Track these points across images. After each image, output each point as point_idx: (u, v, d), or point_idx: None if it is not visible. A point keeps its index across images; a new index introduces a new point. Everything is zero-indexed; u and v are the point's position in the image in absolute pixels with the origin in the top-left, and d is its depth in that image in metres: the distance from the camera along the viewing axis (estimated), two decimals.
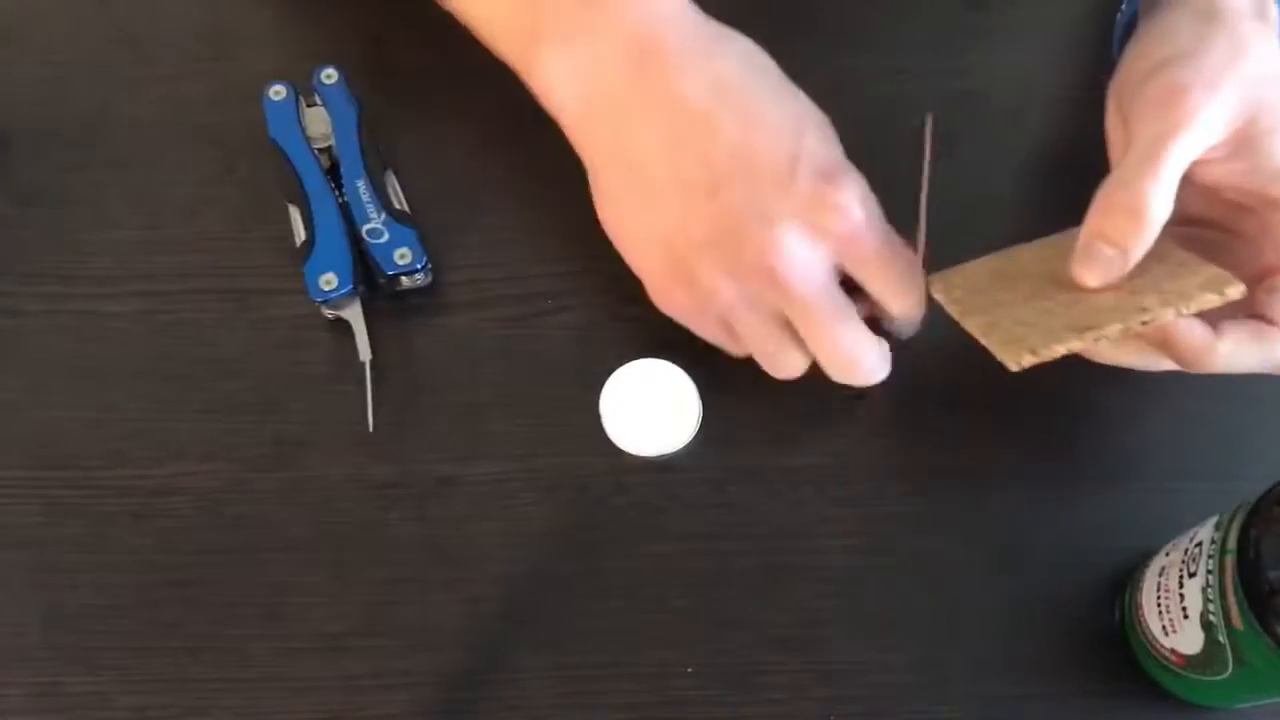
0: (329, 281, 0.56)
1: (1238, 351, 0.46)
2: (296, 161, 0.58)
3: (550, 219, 0.59)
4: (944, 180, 0.56)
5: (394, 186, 0.59)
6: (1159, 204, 0.44)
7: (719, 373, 0.55)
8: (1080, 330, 0.45)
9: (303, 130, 0.59)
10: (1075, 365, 0.56)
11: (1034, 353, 0.45)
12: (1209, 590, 0.44)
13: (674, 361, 0.55)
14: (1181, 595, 0.46)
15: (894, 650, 0.53)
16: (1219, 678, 0.46)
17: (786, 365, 0.51)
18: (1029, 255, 0.51)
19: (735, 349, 0.52)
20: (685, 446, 0.55)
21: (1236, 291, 0.45)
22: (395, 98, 0.60)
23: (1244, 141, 0.45)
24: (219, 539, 0.54)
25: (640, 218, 0.51)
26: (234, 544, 0.54)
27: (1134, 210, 0.44)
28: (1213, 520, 0.46)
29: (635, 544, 0.54)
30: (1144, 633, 0.50)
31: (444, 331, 0.58)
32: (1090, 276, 0.46)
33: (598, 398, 0.55)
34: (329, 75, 0.60)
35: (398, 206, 0.58)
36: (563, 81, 0.50)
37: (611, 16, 0.49)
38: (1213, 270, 0.46)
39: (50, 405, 0.56)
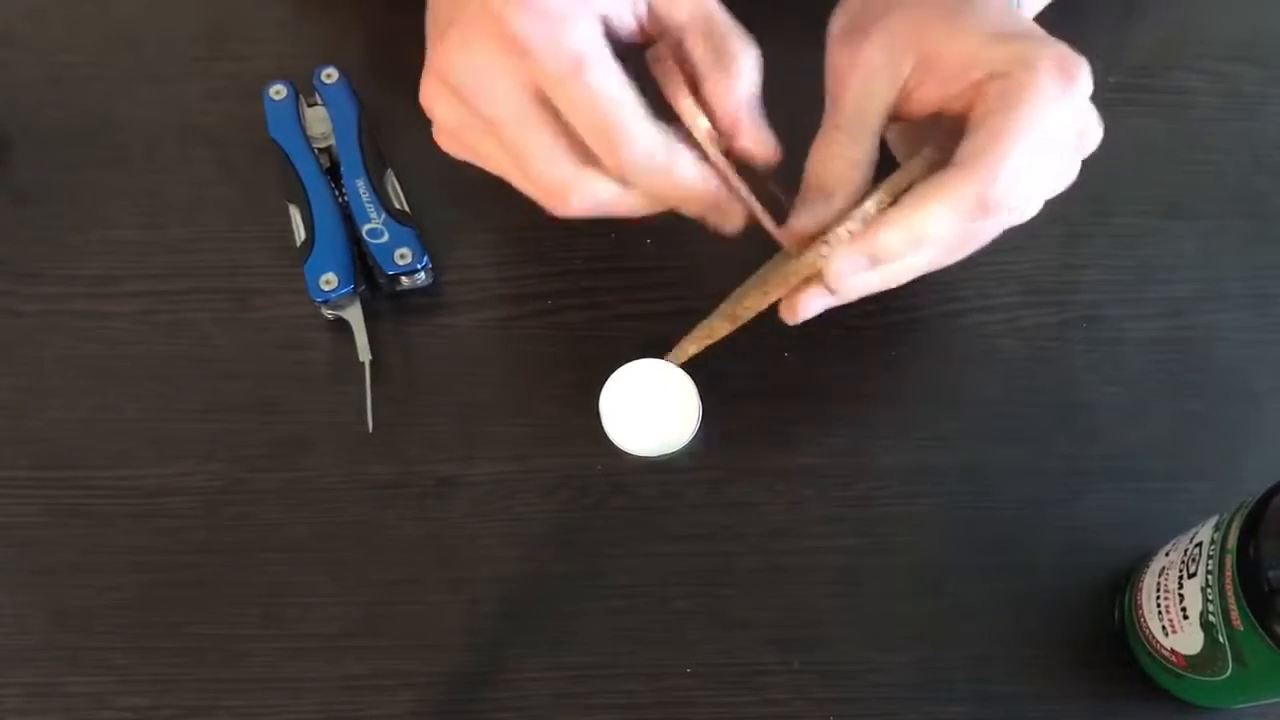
0: (329, 281, 0.56)
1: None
2: (296, 161, 0.58)
3: (550, 219, 0.59)
4: None
5: (394, 186, 0.59)
6: (849, 151, 0.46)
7: (719, 373, 0.55)
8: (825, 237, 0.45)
9: (303, 130, 0.59)
10: (1075, 365, 0.57)
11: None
12: (1209, 590, 0.44)
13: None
14: (1181, 595, 0.46)
15: (894, 650, 0.53)
16: (1219, 678, 0.46)
17: (542, 191, 0.46)
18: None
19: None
20: (685, 446, 0.55)
21: (930, 152, 0.47)
22: (395, 98, 0.60)
23: (927, 61, 0.46)
24: (219, 539, 0.54)
25: None
26: (234, 544, 0.54)
27: (827, 159, 0.47)
28: (1213, 520, 0.46)
29: (635, 544, 0.54)
30: (1144, 633, 0.50)
31: (444, 331, 0.58)
32: (803, 221, 0.47)
33: (598, 398, 0.55)
34: (329, 75, 0.60)
35: (398, 206, 0.58)
36: None
37: None
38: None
39: (50, 405, 0.56)
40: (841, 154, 0.47)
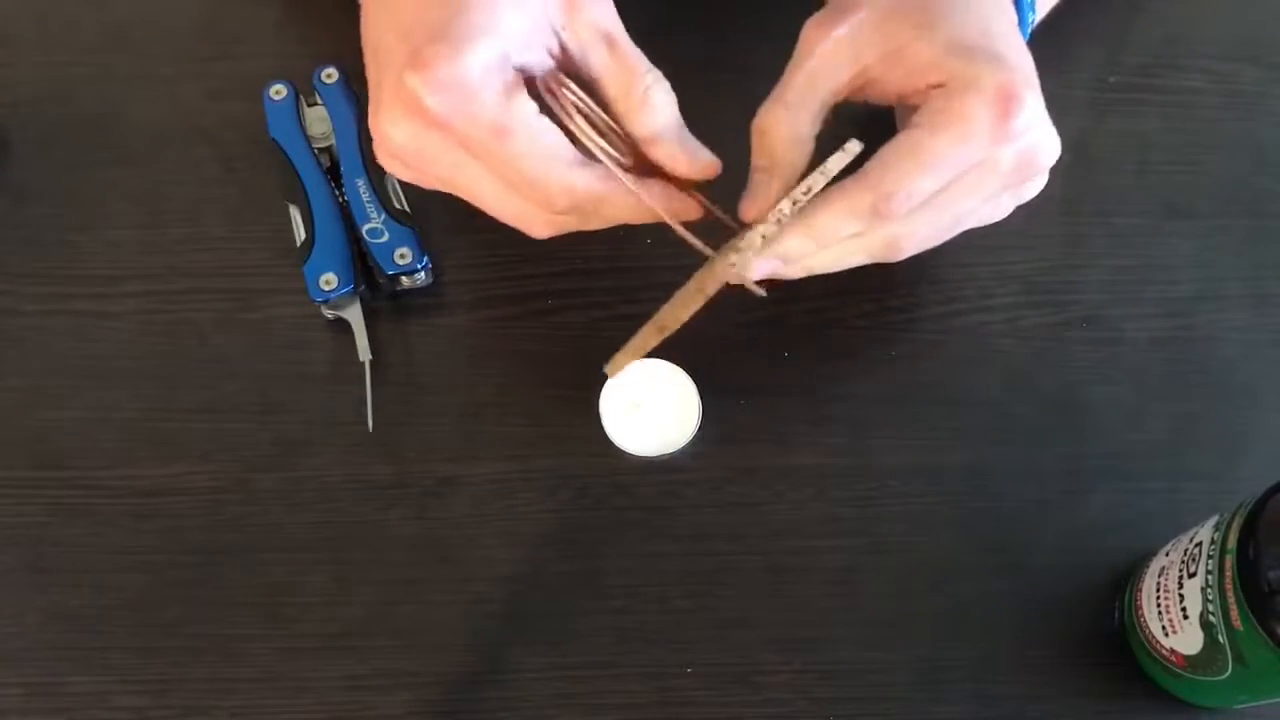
0: (329, 281, 0.56)
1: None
2: (296, 161, 0.58)
3: None
4: None
5: (394, 186, 0.59)
6: (785, 127, 0.47)
7: (719, 373, 0.55)
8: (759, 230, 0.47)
9: (303, 130, 0.59)
10: (1075, 365, 0.57)
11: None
12: (1209, 590, 0.44)
13: (674, 361, 0.55)
14: (1181, 595, 0.46)
15: (894, 650, 0.53)
16: (1219, 678, 0.46)
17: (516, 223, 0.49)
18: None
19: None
20: (685, 446, 0.55)
21: (855, 146, 0.47)
22: None
23: (893, 55, 0.47)
24: (219, 539, 0.54)
25: None
26: (234, 544, 0.54)
27: (762, 132, 0.48)
28: (1213, 520, 0.46)
29: (635, 544, 0.54)
30: (1144, 633, 0.50)
31: (444, 331, 0.58)
32: (748, 205, 0.48)
33: (598, 398, 0.55)
34: (329, 75, 0.60)
35: (398, 206, 0.58)
36: None
37: None
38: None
39: (50, 405, 0.56)
40: (779, 129, 0.47)
